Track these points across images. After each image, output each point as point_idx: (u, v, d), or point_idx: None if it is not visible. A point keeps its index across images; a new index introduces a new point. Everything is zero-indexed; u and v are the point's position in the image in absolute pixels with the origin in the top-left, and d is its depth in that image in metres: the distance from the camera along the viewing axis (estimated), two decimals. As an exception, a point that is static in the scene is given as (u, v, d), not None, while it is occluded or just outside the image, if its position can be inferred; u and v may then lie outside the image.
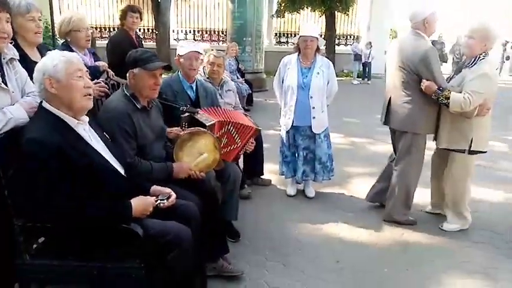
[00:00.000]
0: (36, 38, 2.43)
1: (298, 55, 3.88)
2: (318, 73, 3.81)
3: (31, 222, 1.84)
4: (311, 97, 3.80)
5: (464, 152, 3.27)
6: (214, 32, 17.28)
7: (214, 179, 2.90)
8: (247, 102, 8.29)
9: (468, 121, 3.20)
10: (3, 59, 2.01)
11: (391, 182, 3.60)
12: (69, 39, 3.02)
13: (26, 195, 1.72)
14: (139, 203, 1.94)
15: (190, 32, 17.11)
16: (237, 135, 3.00)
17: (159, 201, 2.04)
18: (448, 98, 3.12)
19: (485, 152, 3.34)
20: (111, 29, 15.51)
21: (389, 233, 3.42)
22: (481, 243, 3.27)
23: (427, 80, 3.20)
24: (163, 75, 2.60)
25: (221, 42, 16.38)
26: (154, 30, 14.58)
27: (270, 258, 2.97)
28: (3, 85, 1.95)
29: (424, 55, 3.19)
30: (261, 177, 4.38)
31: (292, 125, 3.88)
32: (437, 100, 3.19)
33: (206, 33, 17.29)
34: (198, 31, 17.27)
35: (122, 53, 3.77)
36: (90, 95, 1.91)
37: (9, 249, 1.88)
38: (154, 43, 13.96)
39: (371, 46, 14.56)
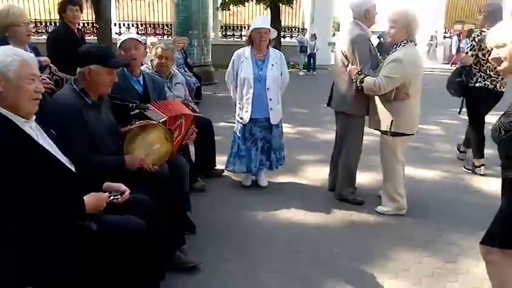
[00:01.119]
0: None
1: (251, 48, 3.91)
2: (273, 65, 3.87)
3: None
4: (268, 89, 3.85)
5: (387, 134, 3.47)
6: (159, 25, 16.94)
7: (167, 171, 2.90)
8: (196, 96, 8.24)
9: (389, 104, 3.39)
10: None
11: (339, 163, 3.85)
12: (7, 34, 2.87)
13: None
14: (92, 200, 1.91)
15: (133, 26, 16.64)
16: (184, 126, 3.00)
17: (112, 197, 2.03)
18: (363, 82, 3.35)
19: (410, 134, 3.48)
20: (48, 24, 14.71)
21: (340, 215, 3.60)
22: (421, 219, 3.53)
23: (353, 64, 3.47)
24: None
25: (166, 35, 16.09)
26: (94, 24, 14.00)
27: (226, 247, 3.03)
28: None
29: (351, 40, 3.46)
30: (214, 168, 4.42)
31: (250, 118, 3.90)
32: (356, 83, 3.42)
33: (150, 26, 16.90)
34: (142, 24, 16.84)
35: (65, 47, 3.65)
36: (38, 99, 1.85)
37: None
38: (96, 37, 13.43)
39: (315, 38, 14.94)
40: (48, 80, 2.63)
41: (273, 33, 3.91)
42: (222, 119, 6.21)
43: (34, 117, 1.90)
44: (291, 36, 18.38)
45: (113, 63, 2.34)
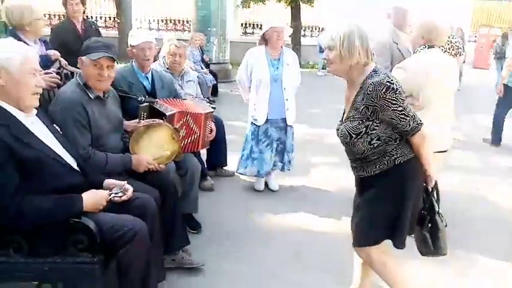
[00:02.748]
0: None
1: (265, 47, 3.78)
2: (288, 64, 3.77)
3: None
4: (284, 89, 3.76)
5: None
6: (179, 22, 16.98)
7: (174, 171, 2.87)
8: (213, 93, 8.22)
9: None
10: None
11: None
12: (27, 28, 2.89)
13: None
14: (91, 197, 1.88)
15: (154, 21, 16.72)
16: (194, 125, 2.97)
17: (113, 194, 1.99)
18: None
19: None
20: (62, 17, 14.68)
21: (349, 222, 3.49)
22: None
23: None
24: (119, 66, 2.52)
25: (186, 31, 16.12)
26: (116, 19, 14.15)
27: (231, 250, 2.98)
28: None
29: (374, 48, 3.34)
30: (224, 168, 4.37)
31: (266, 119, 3.79)
32: None
33: (170, 22, 16.97)
34: (162, 20, 16.92)
35: (63, 42, 3.66)
36: (38, 93, 1.85)
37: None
38: (117, 32, 13.58)
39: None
40: (54, 74, 2.61)
41: (288, 32, 3.84)
42: (236, 117, 6.15)
43: (35, 111, 1.89)
44: (311, 36, 18.18)
45: (93, 56, 2.25)
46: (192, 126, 2.93)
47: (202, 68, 8.00)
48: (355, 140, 1.99)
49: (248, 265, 2.80)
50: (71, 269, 1.80)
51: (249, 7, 15.29)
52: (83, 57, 2.30)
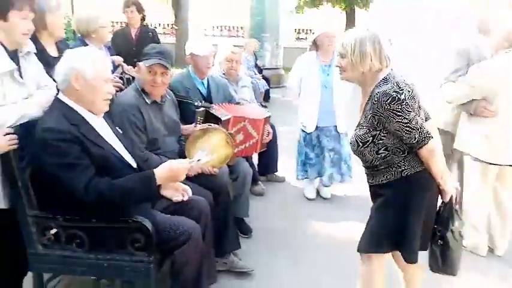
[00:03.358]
0: (63, 33, 2.56)
1: (317, 53, 3.74)
2: None
3: (45, 213, 1.89)
4: (335, 95, 3.69)
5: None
6: (233, 28, 17.30)
7: (227, 175, 2.90)
8: (265, 98, 8.27)
9: (468, 120, 2.94)
10: (20, 52, 2.04)
11: None
12: (93, 36, 3.07)
13: (52, 186, 1.77)
14: (163, 171, 1.84)
15: (209, 27, 17.16)
16: (253, 130, 3.01)
17: (194, 162, 1.95)
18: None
19: (488, 162, 2.85)
20: (124, 24, 15.52)
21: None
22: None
23: None
24: (176, 71, 2.61)
25: (241, 37, 16.37)
26: (173, 26, 14.67)
27: (281, 256, 2.96)
28: (19, 78, 1.97)
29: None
30: (275, 173, 4.36)
31: (316, 126, 3.74)
32: None
33: (225, 28, 17.34)
34: (217, 26, 17.32)
35: (116, 48, 3.85)
36: (109, 100, 1.95)
37: (22, 239, 1.92)
38: (174, 38, 14.06)
39: (391, 43, 14.32)
40: (117, 79, 2.75)
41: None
42: (288, 123, 6.13)
43: (102, 114, 1.99)
44: (367, 41, 17.78)
45: (147, 62, 2.36)
46: (250, 131, 2.98)
47: (255, 74, 8.07)
48: (362, 148, 1.96)
49: (299, 273, 2.77)
50: (128, 266, 1.87)
51: (302, 13, 15.27)
52: (140, 63, 2.40)
